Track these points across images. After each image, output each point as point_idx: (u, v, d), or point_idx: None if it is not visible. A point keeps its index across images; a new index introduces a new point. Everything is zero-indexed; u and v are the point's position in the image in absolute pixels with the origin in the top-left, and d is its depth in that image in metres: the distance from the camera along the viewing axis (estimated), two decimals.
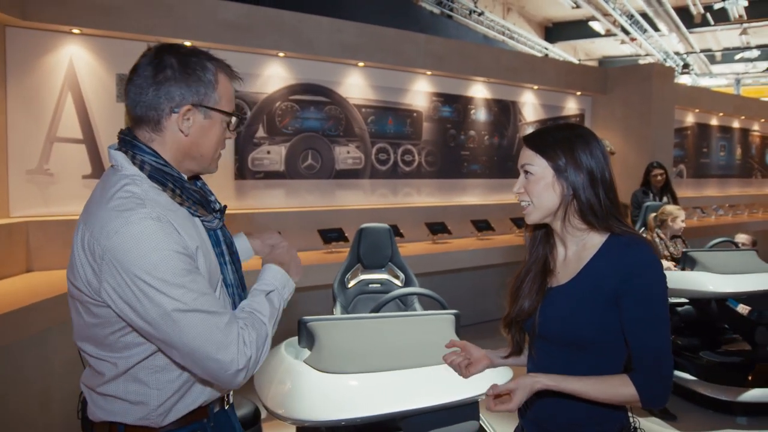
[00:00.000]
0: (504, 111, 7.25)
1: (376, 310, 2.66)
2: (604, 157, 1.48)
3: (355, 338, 2.32)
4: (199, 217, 1.42)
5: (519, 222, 6.74)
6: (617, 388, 1.40)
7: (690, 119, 9.76)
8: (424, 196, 6.57)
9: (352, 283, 3.69)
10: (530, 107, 7.53)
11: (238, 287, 1.50)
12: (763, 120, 11.40)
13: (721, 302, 4.62)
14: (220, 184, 5.11)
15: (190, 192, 1.38)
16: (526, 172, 1.51)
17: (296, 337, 3.01)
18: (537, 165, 1.49)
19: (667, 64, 14.29)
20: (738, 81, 18.80)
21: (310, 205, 5.70)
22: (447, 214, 6.38)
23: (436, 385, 2.09)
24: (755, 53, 16.08)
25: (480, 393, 2.08)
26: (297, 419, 1.97)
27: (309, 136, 5.62)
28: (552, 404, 1.52)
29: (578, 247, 1.52)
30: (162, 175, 1.34)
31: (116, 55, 4.56)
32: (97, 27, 4.36)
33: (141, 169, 1.33)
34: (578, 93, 7.89)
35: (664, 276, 1.42)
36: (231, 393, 1.58)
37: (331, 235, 5.25)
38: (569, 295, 1.49)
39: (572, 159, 1.46)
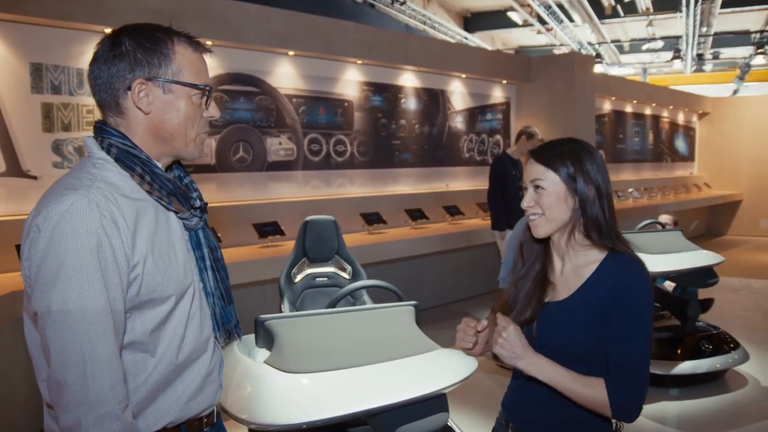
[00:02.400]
0: (433, 99, 7.28)
1: (333, 305, 2.59)
2: (605, 172, 1.51)
3: (317, 335, 2.24)
4: (174, 212, 1.30)
5: (451, 210, 6.81)
6: (593, 389, 1.44)
7: (607, 106, 10.15)
8: (357, 186, 6.51)
9: (298, 278, 3.59)
10: (458, 96, 7.59)
11: (220, 298, 1.37)
12: (671, 107, 12.02)
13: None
14: None
15: (162, 180, 1.25)
16: (537, 186, 1.51)
17: (246, 338, 2.89)
18: (548, 180, 1.49)
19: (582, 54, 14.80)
20: (645, 70, 19.68)
21: (243, 198, 5.52)
22: (381, 203, 6.35)
23: (403, 380, 2.05)
24: (660, 44, 16.88)
25: (447, 385, 2.06)
26: (264, 424, 1.88)
27: (239, 128, 5.44)
28: (540, 404, 1.56)
29: (578, 263, 1.54)
30: (129, 158, 1.23)
31: (30, 42, 4.23)
32: (6, 11, 4.02)
33: (108, 152, 1.23)
34: (504, 81, 8.03)
35: (651, 299, 1.47)
36: (214, 410, 1.41)
37: (266, 229, 5.11)
38: (567, 311, 1.51)
39: (582, 172, 1.48)
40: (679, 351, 4.29)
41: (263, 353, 2.72)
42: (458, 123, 7.62)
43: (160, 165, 1.28)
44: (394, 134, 6.83)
